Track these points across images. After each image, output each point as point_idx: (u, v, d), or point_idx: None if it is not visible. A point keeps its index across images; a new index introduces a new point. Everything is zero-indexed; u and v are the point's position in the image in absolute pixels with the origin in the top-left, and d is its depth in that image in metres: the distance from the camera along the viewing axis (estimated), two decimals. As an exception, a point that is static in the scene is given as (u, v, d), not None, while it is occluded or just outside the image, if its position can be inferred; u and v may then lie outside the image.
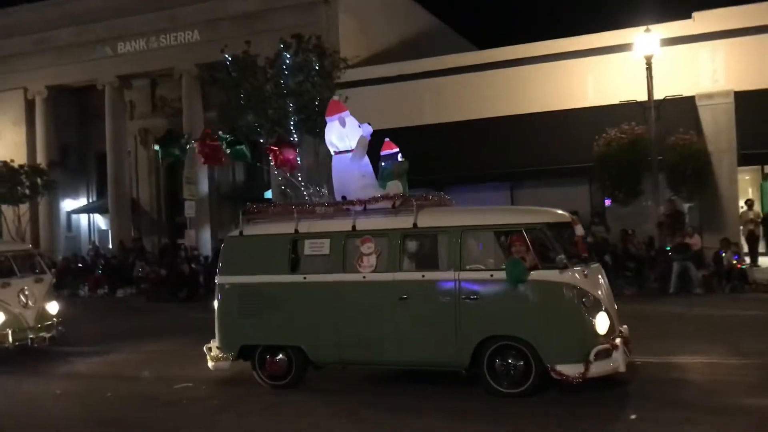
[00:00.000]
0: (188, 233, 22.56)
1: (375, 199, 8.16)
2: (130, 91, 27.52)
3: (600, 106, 19.18)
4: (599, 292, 7.53)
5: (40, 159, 27.13)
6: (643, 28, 17.52)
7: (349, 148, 8.46)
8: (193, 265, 20.51)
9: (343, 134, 8.50)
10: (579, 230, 7.87)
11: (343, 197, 8.45)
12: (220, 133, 10.56)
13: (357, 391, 8.20)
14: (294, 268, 8.33)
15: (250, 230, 8.73)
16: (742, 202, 18.60)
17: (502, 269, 7.37)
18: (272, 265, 8.36)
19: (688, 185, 17.67)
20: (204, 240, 24.37)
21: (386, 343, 7.83)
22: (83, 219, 30.79)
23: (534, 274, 7.26)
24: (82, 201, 30.30)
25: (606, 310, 7.42)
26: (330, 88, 19.75)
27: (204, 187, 24.85)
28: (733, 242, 16.54)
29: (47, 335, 11.31)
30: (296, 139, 19.61)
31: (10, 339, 10.77)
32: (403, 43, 25.10)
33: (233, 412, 7.54)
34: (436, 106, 21.22)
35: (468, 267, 7.60)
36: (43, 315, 11.44)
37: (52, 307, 11.71)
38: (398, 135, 22.33)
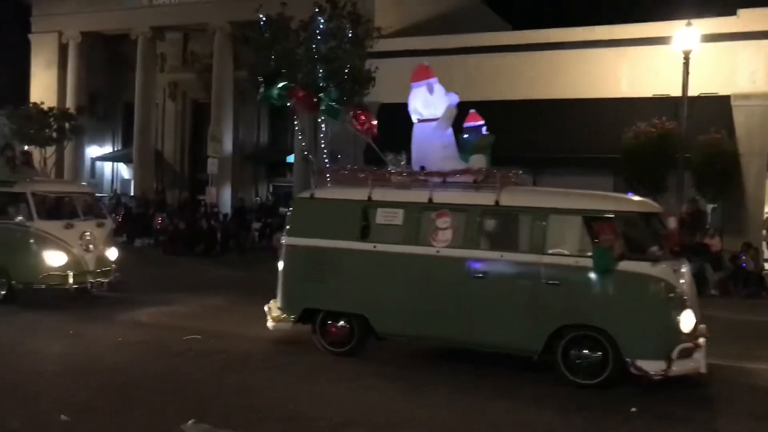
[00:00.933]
0: (209, 190, 22.75)
1: (456, 172, 7.96)
2: (162, 44, 27.57)
3: (632, 98, 18.91)
4: (686, 289, 7.31)
5: (69, 103, 27.37)
6: (685, 21, 17.16)
7: (434, 117, 8.23)
8: (212, 222, 20.71)
9: (430, 101, 8.31)
10: (672, 222, 7.63)
11: (422, 167, 8.24)
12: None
13: (412, 367, 8.04)
14: (364, 236, 8.18)
15: (321, 193, 8.65)
16: (767, 208, 18.36)
17: (588, 256, 7.14)
18: (342, 231, 8.23)
19: (713, 186, 17.42)
20: (224, 198, 24.55)
21: (455, 321, 7.67)
22: (107, 167, 31.14)
23: (622, 265, 7.03)
24: (107, 149, 30.59)
25: (691, 308, 7.21)
26: (361, 57, 19.65)
27: (228, 145, 24.95)
28: (754, 247, 16.36)
29: (105, 280, 11.30)
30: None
31: (71, 281, 10.73)
32: (437, 18, 24.83)
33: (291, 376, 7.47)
34: (465, 83, 20.96)
35: (550, 251, 7.36)
36: (102, 260, 11.38)
37: (112, 253, 11.63)
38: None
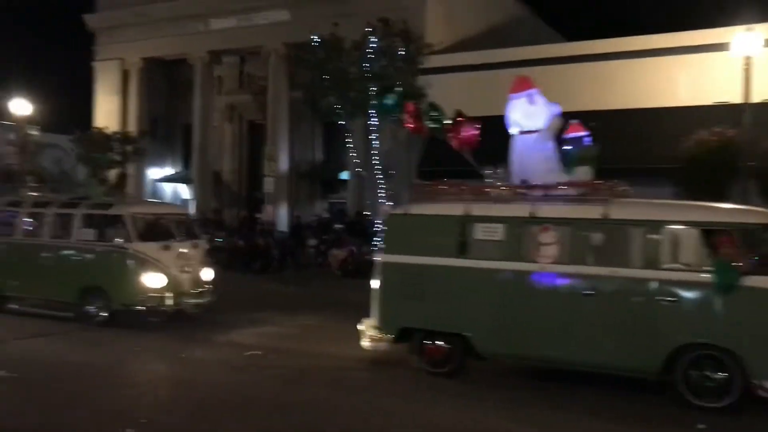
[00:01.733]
0: (266, 208, 23.17)
1: (560, 185, 7.70)
2: (219, 67, 28.33)
3: (691, 107, 18.49)
4: None
5: (131, 127, 28.31)
6: (744, 27, 16.71)
7: (535, 129, 8.09)
8: (269, 239, 21.08)
9: (531, 113, 8.16)
10: None
11: (523, 181, 8.03)
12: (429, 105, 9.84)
13: (512, 387, 7.79)
14: (463, 252, 7.92)
15: (417, 209, 8.46)
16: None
17: (709, 271, 6.77)
18: (439, 247, 8.04)
19: (779, 194, 16.83)
20: (281, 215, 24.94)
21: (562, 341, 7.36)
22: (167, 187, 32.03)
23: (748, 280, 6.65)
24: (167, 170, 31.51)
25: None
26: (413, 74, 19.79)
27: (284, 164, 25.39)
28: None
29: (201, 301, 11.24)
30: (375, 123, 19.78)
31: (169, 302, 10.71)
32: (489, 31, 24.83)
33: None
34: (518, 97, 20.93)
35: (666, 266, 7.01)
36: (198, 281, 11.33)
37: (207, 274, 11.58)
38: (477, 123, 22.27)
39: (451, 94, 21.20)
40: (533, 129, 8.11)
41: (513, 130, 8.44)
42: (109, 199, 11.86)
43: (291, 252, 21.38)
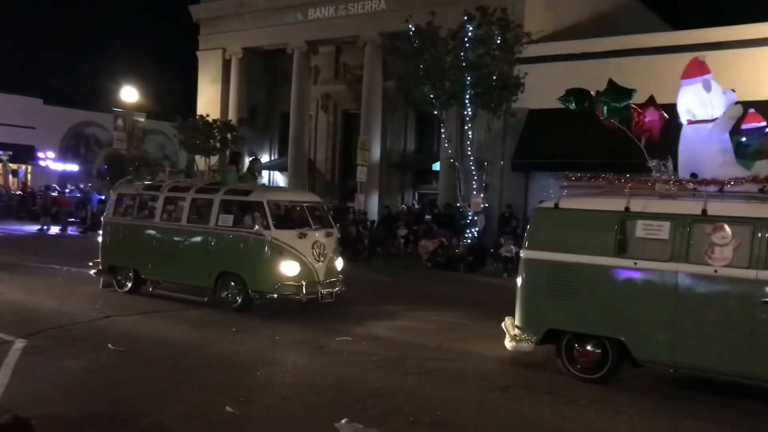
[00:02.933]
0: (358, 197, 23.37)
1: (738, 180, 7.06)
2: (316, 57, 28.76)
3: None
4: None
5: (231, 116, 29.25)
6: None
7: (710, 117, 7.50)
8: (360, 228, 21.27)
9: (706, 100, 7.55)
10: None
11: (693, 174, 7.43)
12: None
13: (664, 396, 7.24)
14: (621, 251, 7.34)
15: (568, 203, 7.88)
16: None
17: None
18: (593, 245, 7.48)
19: None
20: (372, 205, 25.13)
21: (734, 352, 6.77)
22: (264, 175, 32.88)
23: None
24: (264, 158, 32.33)
25: None
26: (510, 63, 19.43)
27: (376, 154, 25.53)
28: None
29: (333, 291, 11.04)
30: (470, 113, 19.54)
31: (304, 291, 10.58)
32: (591, 20, 23.99)
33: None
34: (621, 88, 20.12)
35: None
36: (331, 270, 11.17)
37: (339, 263, 11.45)
38: (575, 115, 21.58)
39: (548, 83, 20.68)
40: (707, 118, 7.49)
41: (683, 119, 7.82)
42: (247, 186, 11.70)
43: (381, 241, 21.51)
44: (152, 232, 12.08)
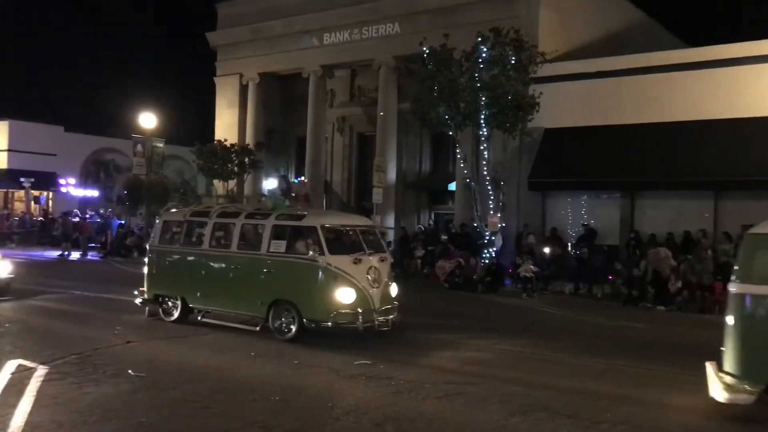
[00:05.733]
0: (374, 218, 23.39)
1: None
2: (331, 80, 29.02)
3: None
4: None
5: (249, 140, 29.53)
6: None
7: None
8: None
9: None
10: None
11: None
12: None
13: None
14: None
15: None
16: None
17: None
18: None
19: None
20: (388, 225, 25.15)
21: None
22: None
23: None
24: (281, 181, 32.57)
25: None
26: (524, 83, 19.48)
27: (392, 175, 25.61)
28: None
29: (390, 319, 10.48)
30: (485, 134, 19.63)
31: (360, 319, 10.09)
32: (605, 38, 24.03)
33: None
34: (636, 105, 20.11)
35: None
36: (386, 296, 10.65)
37: (394, 289, 10.91)
38: (591, 133, 21.57)
39: (565, 103, 20.74)
40: None
41: None
42: (299, 210, 11.27)
43: (398, 262, 21.49)
44: (200, 259, 11.69)
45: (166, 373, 8.44)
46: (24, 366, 8.41)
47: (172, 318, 11.89)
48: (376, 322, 10.26)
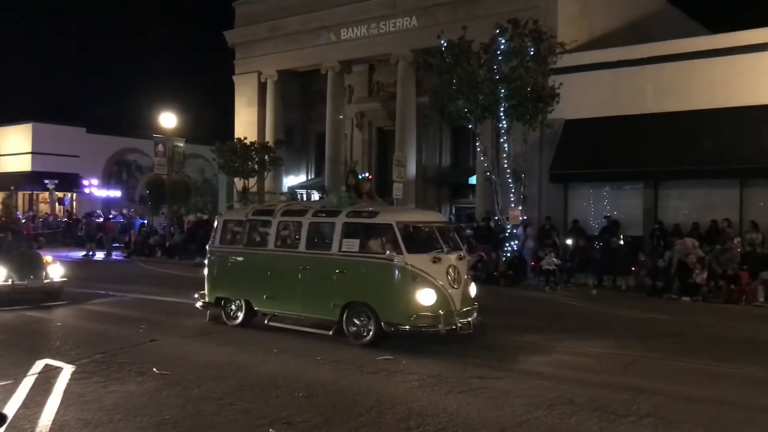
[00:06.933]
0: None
1: None
2: (349, 76, 28.98)
3: None
4: None
5: (268, 137, 29.62)
6: None
7: None
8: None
9: None
10: None
11: None
12: None
13: None
14: None
15: None
16: None
17: None
18: None
19: None
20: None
21: None
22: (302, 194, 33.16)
23: None
24: (302, 177, 32.64)
25: None
26: (544, 74, 19.29)
27: (411, 169, 25.54)
28: None
29: (471, 320, 9.90)
30: (505, 126, 19.48)
31: (442, 321, 9.45)
32: (626, 27, 23.73)
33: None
34: (658, 94, 19.84)
35: None
36: (466, 297, 10.08)
37: (473, 289, 10.38)
38: (613, 123, 21.31)
39: (584, 93, 20.51)
40: None
41: None
42: (372, 207, 10.66)
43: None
44: (266, 260, 11.12)
45: (191, 370, 8.47)
46: (52, 365, 8.51)
47: (236, 322, 11.41)
48: (458, 325, 9.62)
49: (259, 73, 30.30)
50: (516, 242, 19.53)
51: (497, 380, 8.12)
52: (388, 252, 9.67)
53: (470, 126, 20.32)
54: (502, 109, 19.07)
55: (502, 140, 20.13)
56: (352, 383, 8.00)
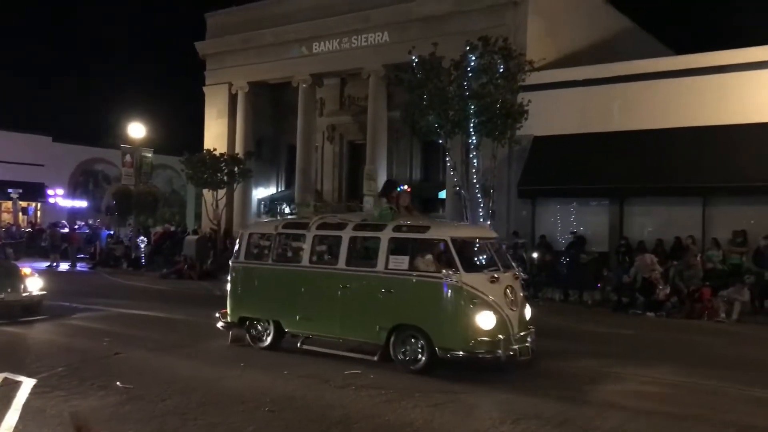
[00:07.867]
0: (365, 227, 23.35)
1: None
2: (321, 89, 29.02)
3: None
4: None
5: (238, 148, 29.45)
6: None
7: None
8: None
9: None
10: None
11: None
12: None
13: None
14: None
15: None
16: None
17: None
18: None
19: None
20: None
21: None
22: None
23: None
24: (272, 189, 32.51)
25: None
26: (513, 91, 19.53)
27: (382, 183, 25.53)
28: None
29: (529, 346, 9.07)
30: (474, 142, 19.67)
31: (502, 347, 8.64)
32: (593, 46, 24.19)
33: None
34: (625, 113, 20.24)
35: None
36: (523, 320, 9.30)
37: (529, 311, 9.59)
38: (580, 140, 21.68)
39: (553, 110, 20.82)
40: None
41: None
42: (412, 221, 9.93)
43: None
44: (299, 277, 10.20)
45: (155, 384, 8.37)
46: (11, 379, 8.35)
47: (264, 344, 10.54)
48: (518, 350, 8.85)
49: (230, 85, 30.18)
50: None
51: (465, 395, 8.17)
52: (444, 270, 8.91)
53: (440, 141, 20.46)
54: (471, 124, 19.24)
55: (471, 155, 20.29)
56: (320, 398, 7.98)
